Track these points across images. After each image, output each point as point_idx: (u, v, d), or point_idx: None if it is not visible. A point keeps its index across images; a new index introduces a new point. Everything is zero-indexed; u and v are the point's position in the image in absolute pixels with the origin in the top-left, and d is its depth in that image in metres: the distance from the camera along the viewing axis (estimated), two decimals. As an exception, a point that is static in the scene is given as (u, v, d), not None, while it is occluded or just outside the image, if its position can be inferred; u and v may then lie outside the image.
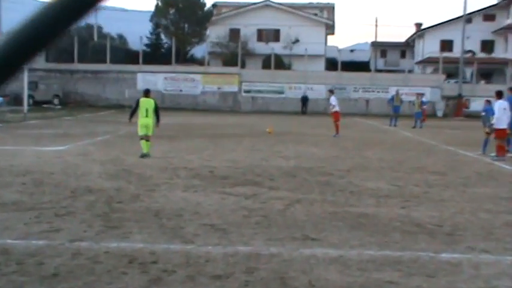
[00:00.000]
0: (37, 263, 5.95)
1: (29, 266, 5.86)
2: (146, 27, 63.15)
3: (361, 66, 59.06)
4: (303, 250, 6.64)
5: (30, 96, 37.53)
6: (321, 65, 57.70)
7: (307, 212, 8.73)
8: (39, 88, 44.21)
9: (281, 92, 47.62)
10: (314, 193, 10.43)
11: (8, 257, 6.13)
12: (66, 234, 7.06)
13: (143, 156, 15.00)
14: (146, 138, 15.22)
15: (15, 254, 6.28)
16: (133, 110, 15.56)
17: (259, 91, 47.81)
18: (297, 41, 57.10)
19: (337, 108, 24.21)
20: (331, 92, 25.76)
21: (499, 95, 17.24)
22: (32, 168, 12.60)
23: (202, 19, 58.85)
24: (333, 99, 24.43)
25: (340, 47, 69.33)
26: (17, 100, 35.00)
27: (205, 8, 60.55)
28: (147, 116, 15.16)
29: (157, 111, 15.47)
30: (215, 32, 57.64)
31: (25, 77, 30.53)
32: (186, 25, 59.67)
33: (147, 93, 15.58)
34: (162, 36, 63.08)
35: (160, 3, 59.13)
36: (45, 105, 42.60)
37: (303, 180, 11.94)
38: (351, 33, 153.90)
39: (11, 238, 6.90)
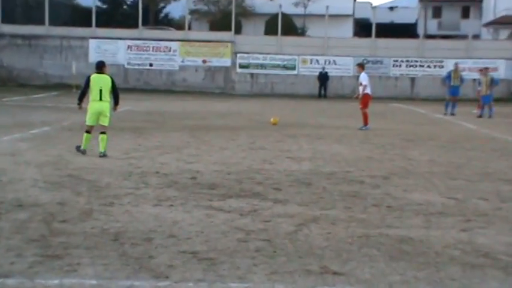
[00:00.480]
0: None
1: None
2: (102, -26, 63.16)
3: (405, 31, 59.10)
4: (322, 289, 6.68)
5: None
6: (348, 28, 57.86)
7: (327, 235, 8.75)
8: None
9: (291, 68, 47.64)
10: (337, 208, 10.45)
11: None
12: (-13, 267, 7.08)
13: (79, 150, 15.52)
14: (102, 130, 15.51)
15: None
16: (83, 91, 15.87)
17: (261, 66, 47.84)
18: (314, -6, 57.11)
19: (368, 90, 24.16)
20: (361, 66, 25.43)
21: None
22: None
23: (181, -38, 58.86)
24: (364, 77, 24.25)
25: (376, 3, 69.45)
26: None
27: None
28: (101, 99, 15.45)
29: (115, 91, 15.80)
30: (200, -18, 57.72)
31: None
32: (158, -29, 59.70)
33: (100, 67, 15.82)
34: (125, -14, 63.16)
35: None
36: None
37: (322, 191, 11.96)
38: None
39: None
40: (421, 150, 18.15)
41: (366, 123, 23.77)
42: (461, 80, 33.71)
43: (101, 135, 15.46)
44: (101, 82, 15.45)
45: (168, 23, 60.90)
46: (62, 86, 44.22)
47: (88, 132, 15.56)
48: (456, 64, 35.12)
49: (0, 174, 12.69)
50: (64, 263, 7.25)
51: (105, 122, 15.56)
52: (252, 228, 9.03)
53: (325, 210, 10.31)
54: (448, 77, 33.93)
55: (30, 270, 7.02)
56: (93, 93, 15.40)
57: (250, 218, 9.61)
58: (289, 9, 53.89)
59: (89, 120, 15.54)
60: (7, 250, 7.69)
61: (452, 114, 31.82)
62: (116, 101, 15.93)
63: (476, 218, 10.06)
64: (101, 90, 15.37)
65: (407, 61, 47.26)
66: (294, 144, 18.93)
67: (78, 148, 15.56)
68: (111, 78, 15.82)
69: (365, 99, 24.08)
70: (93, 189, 11.56)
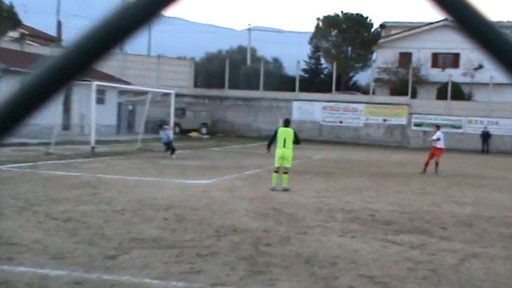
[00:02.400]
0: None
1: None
2: (304, 50, 64.62)
3: None
4: (480, 315, 6.34)
5: (176, 124, 39.57)
6: (510, 95, 55.19)
7: (486, 269, 8.31)
8: (187, 115, 46.62)
9: (458, 127, 46.26)
10: (496, 247, 9.90)
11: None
12: (208, 277, 7.32)
13: (273, 189, 16.06)
14: (284, 170, 16.34)
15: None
16: (272, 139, 17.17)
17: (433, 125, 46.64)
18: (480, 67, 55.05)
19: (441, 144, 24.04)
20: (437, 127, 25.61)
21: None
22: (175, 202, 13.26)
23: (368, 41, 59.07)
24: (438, 135, 24.30)
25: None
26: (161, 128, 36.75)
27: (372, 29, 60.74)
28: (284, 146, 16.45)
29: (297, 141, 16.63)
30: (382, 56, 57.38)
31: (172, 103, 31.99)
32: (349, 48, 60.24)
33: (286, 123, 17.01)
34: (322, 60, 64.08)
35: (321, 24, 60.30)
36: (191, 134, 44.78)
37: (482, 231, 11.40)
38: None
39: (149, 277, 7.27)
40: None
41: (425, 169, 23.62)
42: None
43: (284, 175, 16.32)
44: (285, 134, 16.48)
45: (356, 88, 60.99)
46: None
47: (276, 172, 16.52)
48: None
49: (221, 205, 13.17)
50: (266, 278, 7.37)
51: (287, 164, 16.45)
52: (420, 259, 8.75)
53: (485, 248, 9.80)
54: None
55: (241, 281, 7.19)
56: (279, 141, 16.45)
57: (419, 251, 9.34)
58: (458, 78, 52.23)
59: (276, 163, 16.53)
60: (224, 265, 7.92)
61: None
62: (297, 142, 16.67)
63: None
64: (285, 140, 16.38)
65: None
66: (458, 191, 18.22)
67: (273, 189, 16.07)
68: (294, 131, 16.83)
69: (434, 151, 24.00)
70: (291, 220, 11.70)
